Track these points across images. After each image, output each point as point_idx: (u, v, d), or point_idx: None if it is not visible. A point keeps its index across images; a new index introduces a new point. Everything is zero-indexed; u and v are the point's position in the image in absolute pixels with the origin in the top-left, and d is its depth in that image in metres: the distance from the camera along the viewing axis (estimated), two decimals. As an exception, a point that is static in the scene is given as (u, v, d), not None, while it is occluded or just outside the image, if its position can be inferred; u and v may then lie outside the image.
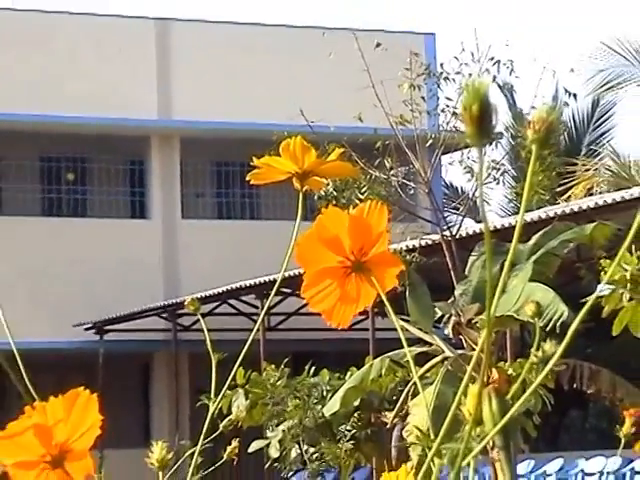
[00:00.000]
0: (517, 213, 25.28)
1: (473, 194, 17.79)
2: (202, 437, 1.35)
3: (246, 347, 1.35)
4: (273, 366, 15.74)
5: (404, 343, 1.39)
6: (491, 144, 14.88)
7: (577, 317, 1.01)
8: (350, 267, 1.09)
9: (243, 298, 22.21)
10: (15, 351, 1.31)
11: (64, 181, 27.37)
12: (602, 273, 9.17)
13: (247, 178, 1.28)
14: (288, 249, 1.15)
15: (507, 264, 1.00)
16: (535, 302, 1.50)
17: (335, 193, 14.87)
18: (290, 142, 1.19)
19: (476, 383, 1.08)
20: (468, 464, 1.01)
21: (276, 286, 1.82)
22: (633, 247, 7.47)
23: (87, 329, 24.63)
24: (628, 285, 8.41)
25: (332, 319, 1.08)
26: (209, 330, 1.70)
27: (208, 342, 1.63)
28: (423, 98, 16.60)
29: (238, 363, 1.41)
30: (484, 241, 0.99)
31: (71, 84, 25.63)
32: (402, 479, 1.27)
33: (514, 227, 1.01)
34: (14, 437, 0.95)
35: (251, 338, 1.39)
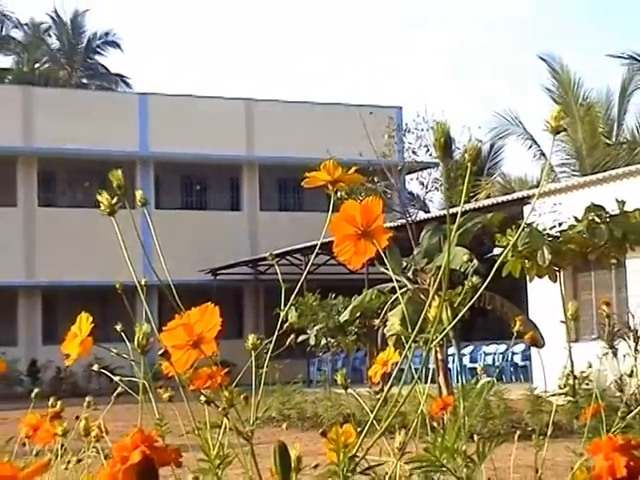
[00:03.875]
0: (449, 208, 36.29)
1: (423, 197, 34.76)
2: (276, 331, 1.88)
3: (299, 284, 2.13)
4: (311, 294, 27.62)
5: (395, 281, 1.80)
6: (451, 161, 25.32)
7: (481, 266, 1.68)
8: (360, 234, 1.53)
9: (295, 255, 34.05)
10: (172, 285, 1.92)
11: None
12: (496, 242, 17.79)
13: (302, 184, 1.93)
14: (323, 229, 1.64)
15: (450, 236, 1.38)
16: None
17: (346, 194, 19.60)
18: (327, 163, 1.74)
19: (435, 299, 1.63)
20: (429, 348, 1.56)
21: (316, 249, 2.36)
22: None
23: (206, 272, 38.21)
24: (510, 248, 15.49)
25: (350, 264, 1.55)
26: (276, 273, 2.27)
27: (280, 278, 2.23)
28: (395, 143, 28.05)
29: (295, 292, 2.13)
30: (430, 223, 1.49)
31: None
32: (387, 356, 2.06)
33: (447, 214, 1.61)
34: (171, 330, 1.43)
35: (302, 279, 2.13)
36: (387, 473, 1.59)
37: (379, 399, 1.50)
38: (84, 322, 1.71)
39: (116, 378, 2.14)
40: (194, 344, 1.39)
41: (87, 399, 2.61)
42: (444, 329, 1.47)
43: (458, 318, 1.57)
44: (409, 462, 1.46)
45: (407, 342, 1.57)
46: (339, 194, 1.83)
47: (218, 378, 1.68)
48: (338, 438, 1.54)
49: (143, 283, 1.96)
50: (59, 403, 2.50)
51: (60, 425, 2.12)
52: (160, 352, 1.40)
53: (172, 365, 1.39)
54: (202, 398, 1.68)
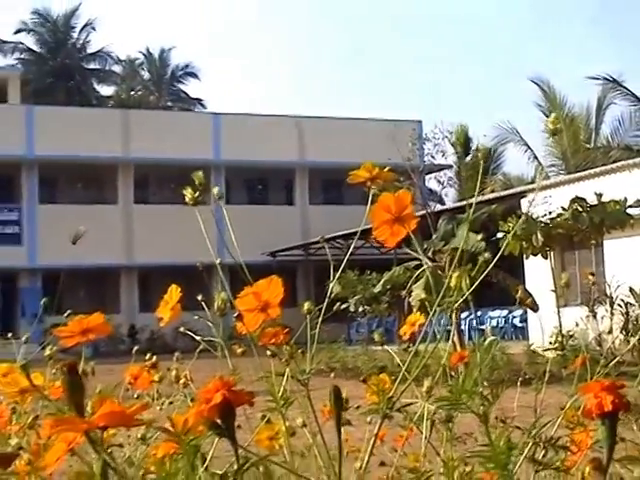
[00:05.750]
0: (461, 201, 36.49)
1: (440, 193, 38.03)
2: (324, 301, 1.83)
3: (343, 263, 2.00)
4: (351, 271, 27.45)
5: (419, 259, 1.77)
6: (468, 156, 27.21)
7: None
8: (394, 220, 1.52)
9: (337, 240, 32.04)
10: (242, 264, 1.79)
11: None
12: (499, 227, 17.48)
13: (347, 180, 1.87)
14: (360, 219, 1.65)
15: (464, 223, 1.32)
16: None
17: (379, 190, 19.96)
18: (367, 165, 1.72)
19: (455, 271, 1.58)
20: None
21: (357, 235, 2.25)
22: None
23: (267, 254, 37.22)
24: (510, 232, 16.01)
25: (386, 243, 1.55)
26: (325, 255, 2.23)
27: (327, 259, 2.18)
28: (417, 149, 28.86)
29: (340, 269, 2.00)
30: (445, 214, 1.40)
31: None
32: (415, 319, 2.00)
33: (460, 207, 1.55)
34: (244, 297, 1.40)
35: (345, 261, 1.99)
36: (416, 412, 1.59)
37: (409, 354, 1.50)
38: (174, 292, 1.71)
39: (198, 338, 2.15)
40: (262, 309, 1.38)
41: (176, 354, 2.62)
42: (464, 295, 1.46)
43: (475, 286, 1.56)
44: (436, 402, 1.44)
45: (431, 308, 1.57)
46: (375, 190, 1.81)
47: (280, 336, 1.68)
48: (378, 384, 1.54)
49: (218, 263, 1.96)
50: (154, 357, 2.52)
51: (156, 374, 2.13)
52: (235, 315, 1.40)
53: (245, 325, 1.38)
54: (268, 352, 1.68)
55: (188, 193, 1.60)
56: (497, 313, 29.63)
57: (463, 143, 25.17)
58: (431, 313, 1.54)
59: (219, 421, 1.05)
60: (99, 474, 1.20)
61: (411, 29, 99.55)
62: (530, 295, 15.61)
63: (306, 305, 1.82)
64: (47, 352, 1.65)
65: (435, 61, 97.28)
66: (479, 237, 13.88)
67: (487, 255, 1.71)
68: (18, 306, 36.67)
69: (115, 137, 39.34)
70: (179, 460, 1.12)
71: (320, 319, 1.85)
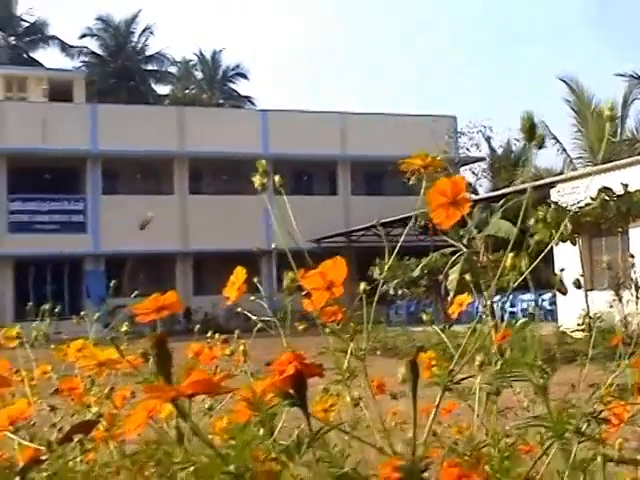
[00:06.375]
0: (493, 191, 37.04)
1: (474, 184, 37.22)
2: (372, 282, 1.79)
3: (394, 250, 1.98)
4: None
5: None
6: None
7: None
8: (450, 203, 1.50)
9: (377, 228, 32.90)
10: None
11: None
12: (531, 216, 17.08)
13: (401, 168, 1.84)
14: (398, 208, 1.50)
15: (496, 212, 1.28)
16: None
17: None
18: (420, 153, 1.67)
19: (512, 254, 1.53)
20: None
21: (410, 224, 2.13)
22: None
23: (312, 241, 34.62)
24: (540, 222, 15.49)
25: (442, 225, 1.52)
26: (367, 242, 2.15)
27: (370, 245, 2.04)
28: (453, 142, 29.34)
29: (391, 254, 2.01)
30: (480, 203, 1.35)
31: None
32: (463, 299, 1.98)
33: (493, 196, 1.48)
34: (309, 277, 1.40)
35: (397, 246, 2.03)
36: (471, 388, 1.57)
37: (453, 333, 1.49)
38: (240, 273, 1.71)
39: (254, 317, 2.14)
40: (327, 287, 1.36)
41: (236, 333, 2.61)
42: (523, 275, 1.44)
43: (532, 267, 1.52)
44: (495, 375, 1.42)
45: (476, 289, 1.55)
46: (413, 180, 1.79)
47: (339, 315, 1.66)
48: (432, 361, 1.52)
49: (274, 247, 1.94)
50: (210, 337, 2.52)
51: (225, 349, 2.13)
52: (304, 293, 1.39)
53: (312, 303, 1.38)
54: (327, 330, 1.66)
55: (257, 179, 1.58)
56: (528, 296, 29.35)
57: (529, 129, 24.76)
58: (475, 294, 1.51)
59: (292, 392, 1.04)
60: (176, 440, 1.19)
61: (438, 31, 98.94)
62: (561, 280, 15.52)
63: (362, 285, 1.80)
64: (124, 328, 1.66)
65: (469, 59, 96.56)
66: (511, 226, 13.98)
67: (538, 237, 1.67)
68: (83, 289, 37.15)
69: (171, 133, 39.61)
70: (249, 428, 1.12)
71: (362, 301, 1.84)
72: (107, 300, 31.09)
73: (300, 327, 1.94)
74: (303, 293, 1.39)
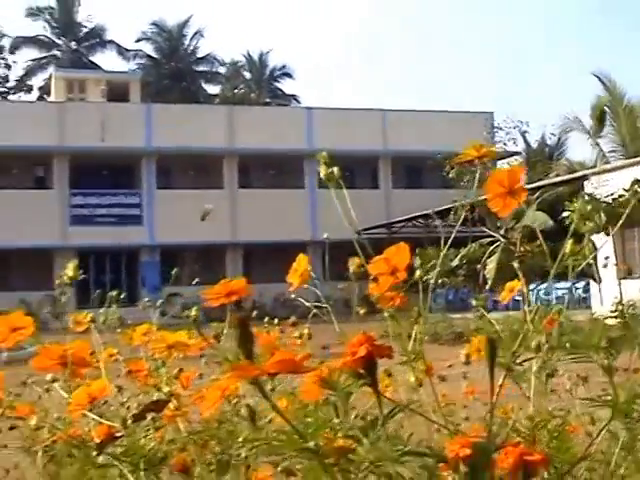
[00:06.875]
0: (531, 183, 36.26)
1: None
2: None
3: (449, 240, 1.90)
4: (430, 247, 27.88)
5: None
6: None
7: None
8: (507, 193, 1.47)
9: (418, 220, 33.18)
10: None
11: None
12: (565, 207, 16.35)
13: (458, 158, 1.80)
14: (437, 201, 1.46)
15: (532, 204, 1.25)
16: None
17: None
18: (475, 145, 1.68)
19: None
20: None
21: (456, 216, 2.09)
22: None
23: (355, 232, 33.97)
24: (577, 212, 15.11)
25: (500, 213, 1.49)
26: (406, 233, 2.11)
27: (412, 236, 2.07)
28: (490, 137, 28.88)
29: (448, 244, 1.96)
30: None
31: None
32: (514, 285, 1.91)
33: (529, 189, 1.47)
34: (378, 262, 1.41)
35: (451, 237, 1.98)
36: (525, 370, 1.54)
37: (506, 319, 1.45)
38: (302, 261, 1.69)
39: (307, 304, 2.11)
40: (391, 272, 1.34)
41: (291, 319, 2.58)
42: (586, 260, 1.40)
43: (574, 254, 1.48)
44: (557, 357, 1.39)
45: (526, 278, 1.51)
46: (452, 174, 1.73)
47: (398, 300, 1.64)
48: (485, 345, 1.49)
49: (326, 237, 1.92)
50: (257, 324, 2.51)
51: (295, 332, 2.11)
52: (371, 278, 1.37)
53: (378, 288, 1.36)
54: (385, 314, 1.63)
55: (322, 170, 1.57)
56: (562, 284, 29.01)
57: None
58: (525, 282, 1.47)
59: (363, 372, 1.03)
60: (248, 417, 1.19)
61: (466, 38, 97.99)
62: (594, 268, 15.42)
63: (417, 273, 1.78)
64: (193, 313, 1.66)
65: (505, 57, 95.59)
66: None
67: (591, 225, 1.64)
68: (139, 278, 37.56)
69: (221, 130, 39.84)
70: (325, 407, 1.11)
71: (406, 289, 1.79)
72: (162, 289, 31.40)
73: (361, 312, 1.92)
74: (371, 278, 1.37)
